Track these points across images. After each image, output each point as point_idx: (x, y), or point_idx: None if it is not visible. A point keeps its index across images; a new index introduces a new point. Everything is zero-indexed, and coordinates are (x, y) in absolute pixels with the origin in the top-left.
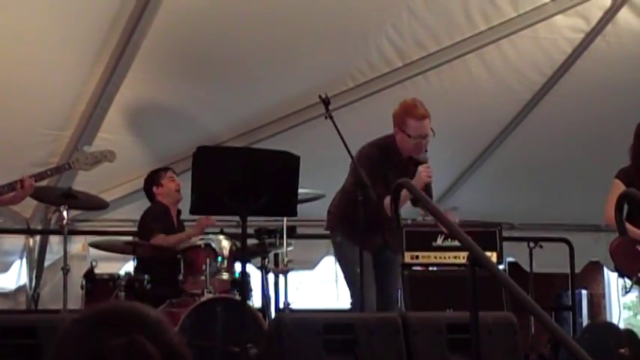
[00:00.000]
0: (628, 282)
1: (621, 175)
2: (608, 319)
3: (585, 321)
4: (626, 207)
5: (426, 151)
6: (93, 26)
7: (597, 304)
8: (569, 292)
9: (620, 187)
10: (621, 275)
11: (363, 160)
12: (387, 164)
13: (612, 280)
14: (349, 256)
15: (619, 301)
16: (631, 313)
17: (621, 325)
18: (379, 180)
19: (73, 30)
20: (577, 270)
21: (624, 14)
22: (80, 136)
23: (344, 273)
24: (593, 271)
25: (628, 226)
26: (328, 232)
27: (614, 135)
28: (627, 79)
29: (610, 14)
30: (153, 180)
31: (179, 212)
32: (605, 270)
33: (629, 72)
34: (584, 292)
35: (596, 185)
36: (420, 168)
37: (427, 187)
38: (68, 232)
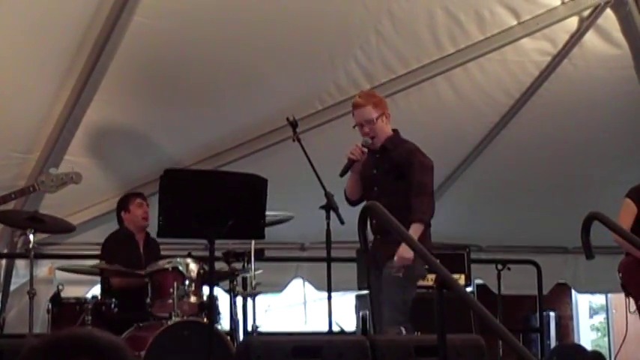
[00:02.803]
0: (632, 303)
1: (632, 195)
2: (575, 340)
3: (553, 343)
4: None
5: (373, 137)
6: (60, 49)
7: (565, 325)
8: (537, 314)
9: (630, 206)
10: (627, 294)
11: None
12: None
13: (580, 301)
14: None
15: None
16: (599, 334)
17: (589, 347)
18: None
19: (39, 52)
20: (545, 292)
21: (590, 37)
22: (47, 159)
23: None
24: (561, 292)
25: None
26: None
27: (581, 157)
28: (594, 101)
29: (576, 37)
30: (122, 205)
31: (148, 236)
32: (573, 292)
33: (595, 94)
34: (552, 313)
35: (564, 207)
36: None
37: (347, 163)
38: (34, 255)
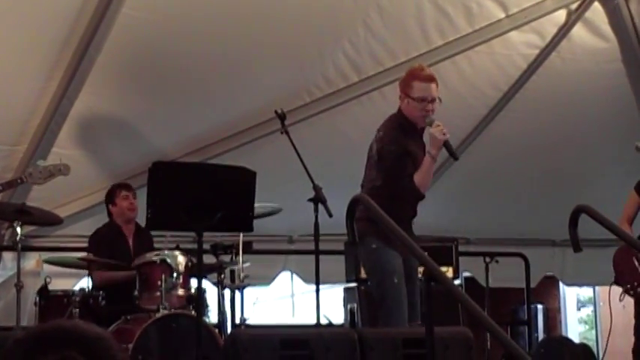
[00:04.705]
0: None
1: (636, 186)
2: (563, 333)
3: (541, 335)
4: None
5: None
6: (47, 41)
7: (553, 318)
8: (525, 306)
9: (634, 198)
10: (616, 283)
11: (393, 147)
12: (409, 139)
13: (568, 294)
14: (387, 264)
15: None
16: (587, 327)
17: (576, 339)
18: (409, 159)
19: (27, 44)
20: (533, 284)
21: (578, 30)
22: (34, 151)
23: (376, 280)
24: (549, 285)
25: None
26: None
27: (569, 150)
28: (581, 94)
29: (564, 30)
30: (108, 198)
31: (139, 228)
32: (561, 284)
33: (583, 87)
34: (539, 306)
35: (551, 200)
36: (432, 130)
37: (447, 145)
38: (22, 248)
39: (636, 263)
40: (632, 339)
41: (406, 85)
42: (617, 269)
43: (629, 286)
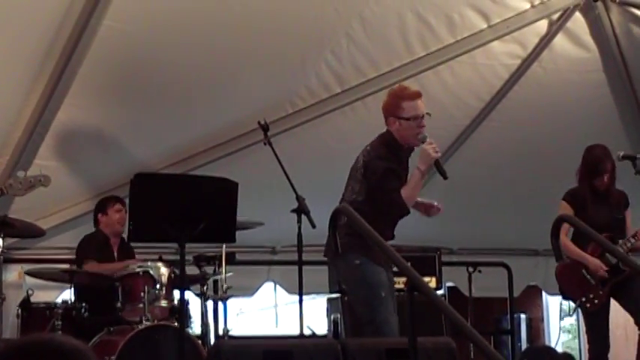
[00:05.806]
0: (572, 305)
1: (567, 197)
2: (546, 342)
3: (524, 345)
4: (572, 229)
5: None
6: (29, 52)
7: (536, 327)
8: (508, 316)
9: (566, 209)
10: (565, 298)
11: (380, 162)
12: (395, 160)
13: (551, 303)
14: (373, 278)
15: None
16: (570, 336)
17: (560, 349)
18: (394, 175)
19: (8, 56)
20: (516, 294)
21: (560, 40)
22: (16, 163)
23: (362, 296)
24: (532, 295)
25: (576, 250)
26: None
27: (551, 160)
28: (563, 104)
29: (546, 40)
30: (100, 207)
31: (123, 240)
32: (544, 294)
33: (565, 97)
34: (522, 316)
35: (534, 210)
36: (424, 146)
37: (437, 164)
38: (4, 260)
39: (587, 275)
40: (614, 349)
41: (395, 108)
42: (564, 282)
43: (584, 299)
